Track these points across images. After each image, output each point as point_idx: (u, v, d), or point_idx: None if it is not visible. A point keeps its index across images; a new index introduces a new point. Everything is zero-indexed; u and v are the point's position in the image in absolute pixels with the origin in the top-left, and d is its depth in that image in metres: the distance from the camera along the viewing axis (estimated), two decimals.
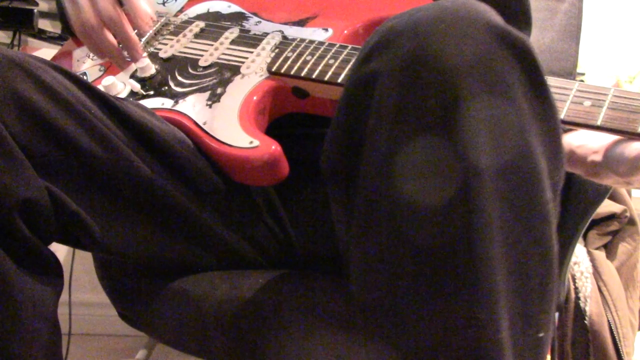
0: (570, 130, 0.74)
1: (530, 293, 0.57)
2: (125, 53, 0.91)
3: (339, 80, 0.80)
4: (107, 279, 0.97)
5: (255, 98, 0.84)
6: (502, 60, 0.55)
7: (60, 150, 0.71)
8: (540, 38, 1.37)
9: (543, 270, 0.58)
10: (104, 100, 0.76)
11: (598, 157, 0.68)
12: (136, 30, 0.91)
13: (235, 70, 0.90)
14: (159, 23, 1.03)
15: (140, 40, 0.95)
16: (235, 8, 1.03)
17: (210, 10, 1.05)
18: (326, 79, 0.81)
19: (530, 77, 0.57)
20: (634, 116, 0.63)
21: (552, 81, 0.68)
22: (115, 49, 0.89)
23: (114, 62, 0.90)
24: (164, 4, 1.09)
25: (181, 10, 1.07)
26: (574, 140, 0.69)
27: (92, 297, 1.79)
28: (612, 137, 0.68)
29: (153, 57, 0.97)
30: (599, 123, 0.64)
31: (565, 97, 0.67)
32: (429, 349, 0.55)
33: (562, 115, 0.66)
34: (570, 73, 1.38)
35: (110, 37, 0.88)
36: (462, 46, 0.54)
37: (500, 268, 0.55)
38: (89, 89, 0.76)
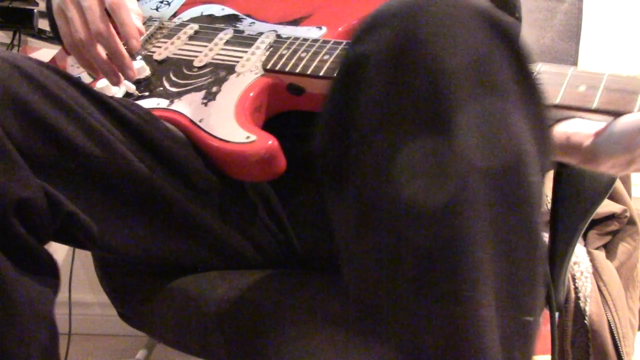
0: (565, 118, 0.74)
1: (518, 275, 0.57)
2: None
3: (335, 75, 0.80)
4: (106, 278, 0.97)
5: (251, 94, 0.85)
6: (490, 47, 0.55)
7: (57, 150, 0.71)
8: (540, 38, 1.37)
9: (531, 253, 0.58)
10: (101, 101, 0.76)
11: (594, 141, 0.67)
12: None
13: (230, 69, 0.90)
14: (153, 27, 1.03)
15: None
16: (228, 11, 1.04)
17: (204, 14, 1.05)
18: (321, 74, 0.81)
19: (516, 60, 0.57)
20: (630, 97, 0.63)
21: (547, 67, 0.69)
22: (106, 64, 0.88)
23: (106, 78, 0.90)
24: (157, 9, 1.10)
25: (175, 14, 1.07)
26: (569, 128, 0.69)
27: (92, 297, 1.79)
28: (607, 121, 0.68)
29: (147, 59, 0.97)
30: (594, 106, 0.64)
31: (561, 81, 0.67)
32: (421, 341, 0.55)
33: (557, 99, 0.66)
34: None
35: (101, 52, 0.87)
36: (451, 32, 0.54)
37: (487, 248, 0.55)
38: (85, 90, 0.76)
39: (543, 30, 1.37)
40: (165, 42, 1.00)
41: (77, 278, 1.52)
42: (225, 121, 0.82)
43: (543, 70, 0.69)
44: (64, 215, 0.72)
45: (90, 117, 0.74)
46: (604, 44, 1.81)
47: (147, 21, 1.06)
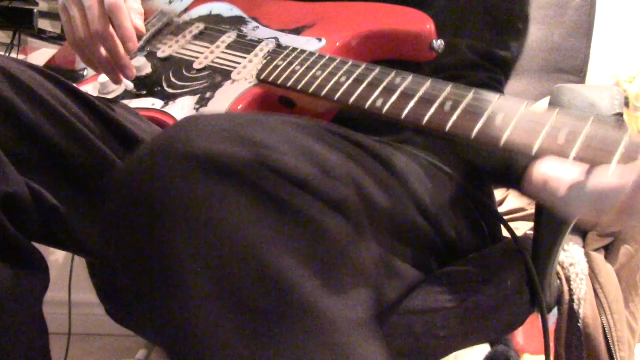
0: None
1: None
2: None
3: (322, 94, 0.79)
4: (93, 275, 0.97)
5: (240, 107, 0.84)
6: (212, 196, 0.55)
7: (37, 150, 0.73)
8: (549, 35, 1.36)
9: None
10: (85, 101, 0.78)
11: (567, 193, 0.66)
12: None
13: (226, 75, 0.90)
14: (161, 22, 1.05)
15: (142, 39, 0.97)
16: (236, 11, 1.04)
17: (213, 13, 1.05)
18: (310, 91, 0.81)
19: (265, 192, 0.56)
20: (608, 150, 0.61)
21: (529, 110, 0.66)
22: (106, 63, 0.89)
23: (107, 76, 0.91)
24: (170, 2, 1.11)
25: (185, 10, 1.08)
26: (549, 171, 0.68)
27: (92, 297, 1.78)
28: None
29: (151, 55, 0.98)
30: (572, 157, 0.62)
31: (541, 127, 0.65)
32: None
33: (534, 149, 0.64)
34: (580, 71, 1.37)
35: (102, 51, 0.88)
36: (170, 195, 0.55)
37: None
38: (69, 90, 0.77)
39: (552, 27, 1.36)
40: (171, 40, 1.01)
41: (77, 278, 1.53)
42: None
43: (525, 114, 0.66)
44: (47, 210, 0.73)
45: (73, 117, 0.75)
46: (603, 44, 1.80)
47: (158, 14, 1.07)
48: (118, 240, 0.58)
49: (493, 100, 0.69)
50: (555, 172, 0.66)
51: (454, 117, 0.69)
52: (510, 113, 0.67)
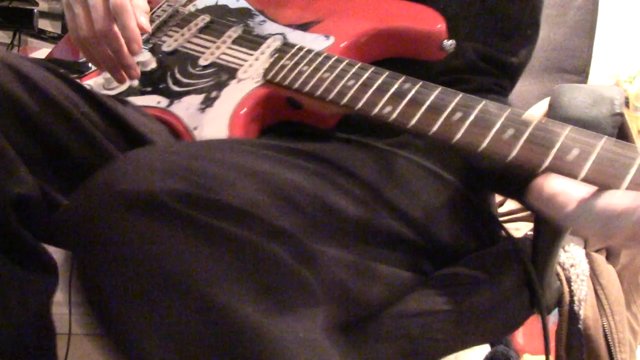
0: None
1: None
2: None
3: (329, 98, 0.78)
4: None
5: (246, 109, 0.83)
6: (146, 234, 0.54)
7: (45, 149, 0.73)
8: (551, 34, 1.36)
9: None
10: (94, 100, 0.77)
11: (575, 209, 0.65)
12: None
13: (232, 73, 0.89)
14: (166, 13, 1.03)
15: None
16: (243, 3, 1.02)
17: (219, 3, 1.04)
18: (317, 94, 0.79)
19: (201, 224, 0.55)
20: (620, 172, 0.59)
21: (543, 126, 0.65)
22: (110, 62, 0.88)
23: (110, 75, 0.90)
24: None
25: (190, 0, 1.07)
26: (558, 185, 0.67)
27: None
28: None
29: (156, 49, 0.97)
30: (581, 176, 0.61)
31: (553, 143, 0.63)
32: None
33: (544, 165, 0.63)
34: (582, 70, 1.37)
35: (106, 50, 0.87)
36: (106, 237, 0.55)
37: None
38: (80, 90, 0.77)
39: (555, 26, 1.36)
40: (177, 32, 1.00)
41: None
42: (218, 133, 0.81)
43: (534, 129, 0.65)
44: (56, 210, 0.73)
45: (83, 117, 0.75)
46: (603, 44, 1.80)
47: (163, 4, 1.06)
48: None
49: (503, 114, 0.67)
50: (565, 186, 0.64)
51: (462, 129, 0.68)
52: (520, 128, 0.65)
